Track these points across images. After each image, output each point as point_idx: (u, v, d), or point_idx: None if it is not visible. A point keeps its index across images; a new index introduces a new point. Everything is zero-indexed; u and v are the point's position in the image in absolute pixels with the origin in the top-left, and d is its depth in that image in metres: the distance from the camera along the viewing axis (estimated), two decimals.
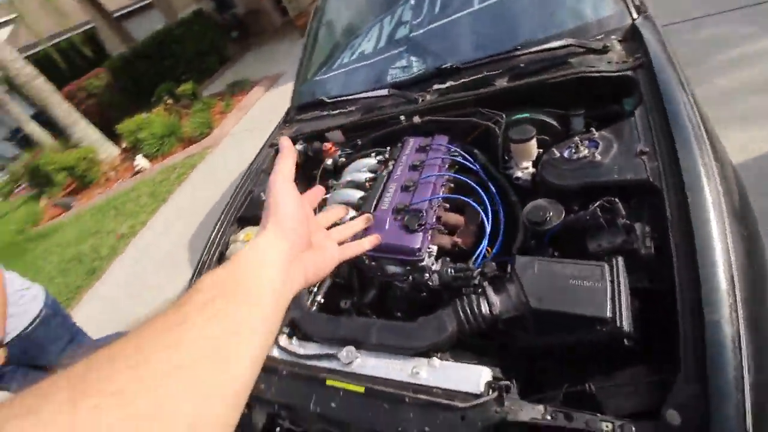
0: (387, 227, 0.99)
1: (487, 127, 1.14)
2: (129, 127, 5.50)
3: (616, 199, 0.78)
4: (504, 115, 1.11)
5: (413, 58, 1.41)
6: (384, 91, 1.39)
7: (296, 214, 0.39)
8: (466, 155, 1.14)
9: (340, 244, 0.47)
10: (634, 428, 0.56)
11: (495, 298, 0.79)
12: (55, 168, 6.14)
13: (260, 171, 1.58)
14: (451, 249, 1.05)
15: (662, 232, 0.70)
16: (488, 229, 0.96)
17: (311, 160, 1.53)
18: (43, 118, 8.59)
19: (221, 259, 1.35)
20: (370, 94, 1.44)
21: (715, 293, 0.58)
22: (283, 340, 0.99)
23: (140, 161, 5.14)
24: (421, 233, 0.95)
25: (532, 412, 0.65)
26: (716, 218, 0.65)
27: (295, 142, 1.55)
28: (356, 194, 1.18)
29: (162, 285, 2.93)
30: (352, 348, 0.87)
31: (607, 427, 0.59)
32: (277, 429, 0.92)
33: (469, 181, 1.06)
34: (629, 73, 0.97)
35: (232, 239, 1.36)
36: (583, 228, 0.81)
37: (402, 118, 1.30)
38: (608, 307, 0.66)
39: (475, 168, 1.12)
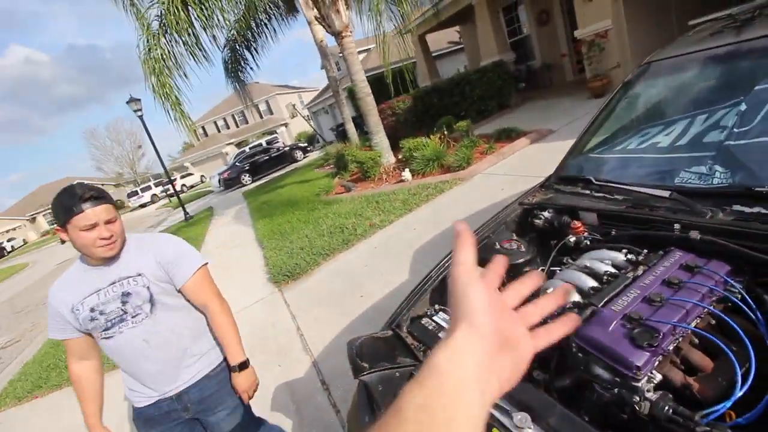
0: (610, 329, 0.97)
1: None
2: (409, 144, 6.83)
3: None
4: None
5: (718, 168, 1.25)
6: (665, 193, 1.30)
7: (486, 306, 0.37)
8: (748, 297, 0.96)
9: (533, 327, 0.42)
10: None
11: None
12: (352, 159, 8.28)
13: (502, 222, 1.75)
14: (680, 389, 0.92)
15: None
16: (739, 392, 0.80)
17: (553, 231, 1.59)
18: (359, 121, 11.63)
19: (444, 280, 1.60)
20: (647, 189, 1.37)
21: None
22: None
23: (406, 174, 6.31)
24: (648, 353, 0.89)
25: None
26: None
27: (544, 209, 1.65)
28: (589, 282, 1.18)
29: (385, 272, 3.60)
30: (528, 416, 0.92)
31: None
32: None
33: (737, 327, 0.89)
34: None
35: None
36: None
37: (676, 226, 1.20)
38: None
39: (754, 317, 0.93)
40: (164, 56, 7.41)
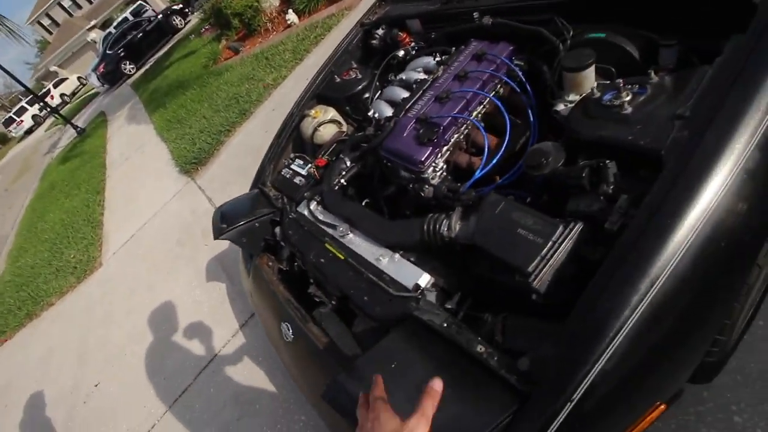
0: (404, 134, 1.05)
1: (553, 43, 0.99)
2: None
3: (609, 164, 0.70)
4: (571, 31, 0.95)
5: None
6: None
7: None
8: (520, 74, 1.04)
9: None
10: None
11: (457, 224, 0.86)
12: (230, 12, 6.99)
13: (346, 51, 1.65)
14: (466, 168, 1.07)
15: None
16: (494, 161, 0.95)
17: (390, 47, 1.54)
18: None
19: (298, 127, 1.59)
20: None
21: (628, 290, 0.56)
22: (313, 205, 1.22)
23: (291, 16, 5.49)
24: (429, 147, 1.00)
25: (435, 317, 0.77)
26: (685, 230, 0.57)
27: (378, 26, 1.55)
28: (402, 94, 1.22)
29: None
30: (348, 226, 1.07)
31: (480, 349, 0.69)
32: (295, 263, 1.25)
33: (500, 104, 1.00)
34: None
35: (306, 113, 1.56)
36: (568, 185, 0.76)
37: (475, 15, 1.19)
38: (534, 263, 0.68)
39: (520, 91, 1.03)
40: None
